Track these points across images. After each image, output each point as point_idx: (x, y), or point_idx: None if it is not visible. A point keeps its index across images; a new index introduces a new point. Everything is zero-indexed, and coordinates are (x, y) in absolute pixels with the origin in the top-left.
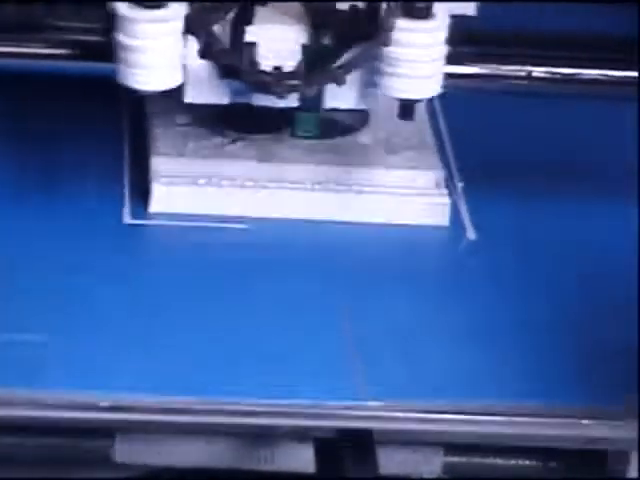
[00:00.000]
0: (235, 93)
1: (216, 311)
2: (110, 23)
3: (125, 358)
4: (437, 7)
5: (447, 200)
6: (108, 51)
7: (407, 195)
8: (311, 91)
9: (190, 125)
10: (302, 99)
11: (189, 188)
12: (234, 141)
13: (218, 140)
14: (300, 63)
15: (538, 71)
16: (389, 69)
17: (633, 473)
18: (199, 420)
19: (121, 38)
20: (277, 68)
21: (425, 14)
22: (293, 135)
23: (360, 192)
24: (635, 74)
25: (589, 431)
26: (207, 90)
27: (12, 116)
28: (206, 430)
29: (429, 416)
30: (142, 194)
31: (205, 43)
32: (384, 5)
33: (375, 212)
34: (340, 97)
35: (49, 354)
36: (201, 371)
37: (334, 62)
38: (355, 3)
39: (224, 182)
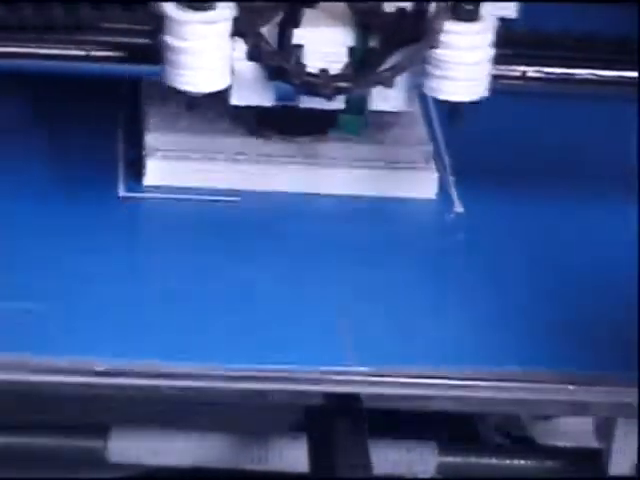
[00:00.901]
0: (281, 95)
1: (208, 281)
2: (157, 25)
3: (119, 325)
4: (484, 9)
5: (435, 174)
6: (155, 53)
7: (396, 169)
8: (359, 93)
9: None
10: (348, 101)
11: (183, 162)
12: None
13: (210, 115)
14: (347, 65)
15: (533, 71)
16: (437, 71)
17: (616, 460)
18: (191, 385)
19: (169, 40)
20: (324, 70)
21: (473, 16)
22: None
23: (350, 166)
24: (635, 74)
25: (575, 396)
26: (253, 92)
27: (8, 108)
28: (194, 396)
29: (415, 381)
30: (137, 169)
31: (253, 45)
32: (431, 7)
33: (364, 185)
34: (387, 99)
35: (45, 321)
36: (193, 338)
37: (380, 64)
38: (402, 5)
39: (217, 156)
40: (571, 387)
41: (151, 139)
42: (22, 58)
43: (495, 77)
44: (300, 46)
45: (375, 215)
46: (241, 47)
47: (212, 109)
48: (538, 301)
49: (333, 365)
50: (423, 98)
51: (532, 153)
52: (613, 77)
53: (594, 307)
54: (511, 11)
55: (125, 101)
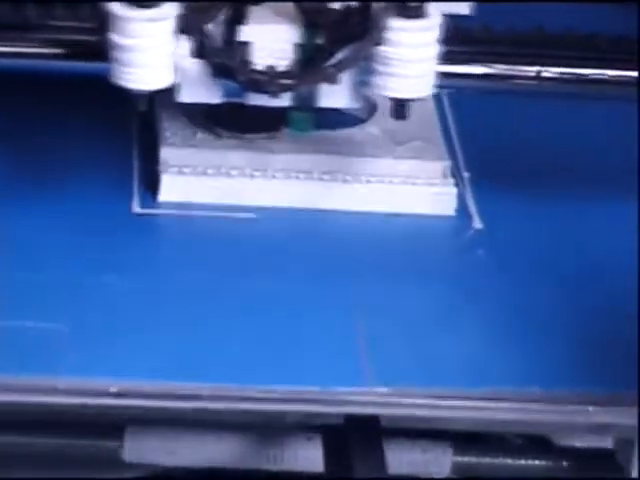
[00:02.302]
0: (229, 92)
1: (225, 300)
2: (103, 22)
3: (134, 345)
4: (430, 7)
5: (454, 189)
6: (102, 50)
7: (414, 185)
8: (304, 90)
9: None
10: (295, 98)
11: (198, 177)
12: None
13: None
14: (293, 62)
15: (547, 71)
16: (382, 68)
17: (635, 467)
18: (208, 406)
19: (114, 37)
20: (270, 67)
21: (418, 13)
22: (288, 134)
23: (368, 182)
24: (635, 74)
25: (595, 417)
26: (200, 89)
27: (25, 114)
28: (214, 417)
29: (435, 402)
30: (151, 184)
31: (198, 42)
32: (377, 4)
33: (382, 202)
34: (333, 96)
35: (60, 342)
36: (210, 358)
37: (327, 61)
38: (348, 2)
39: (233, 172)
40: (591, 409)
41: (166, 154)
42: None
43: (509, 77)
44: (246, 43)
45: (393, 232)
46: (186, 45)
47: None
48: (558, 319)
49: (351, 386)
50: (441, 112)
51: (550, 164)
52: (623, 77)
53: (618, 325)
54: (464, 8)
55: (140, 114)
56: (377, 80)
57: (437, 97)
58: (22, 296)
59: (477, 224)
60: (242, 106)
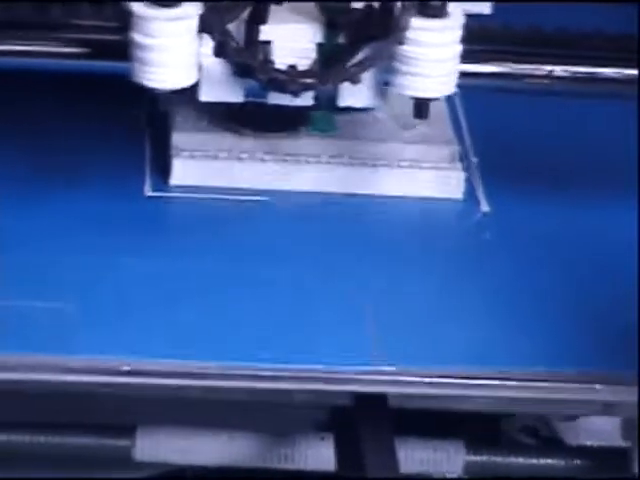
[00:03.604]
0: (250, 92)
1: (236, 281)
2: (125, 22)
3: (146, 325)
4: (452, 6)
5: (461, 174)
6: (123, 50)
7: (422, 169)
8: (326, 89)
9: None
10: (317, 97)
11: (209, 161)
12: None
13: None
14: (315, 62)
15: (559, 70)
16: (403, 68)
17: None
18: (216, 384)
19: (136, 37)
20: (292, 67)
21: (440, 13)
22: (309, 133)
23: (375, 166)
24: (635, 72)
25: (601, 396)
26: (222, 88)
27: (32, 102)
28: (223, 396)
29: (442, 380)
30: (163, 169)
31: (220, 42)
32: (399, 4)
33: (390, 185)
34: (354, 95)
35: (73, 321)
36: (219, 337)
37: (348, 61)
38: (369, 2)
39: (243, 155)
40: (598, 387)
41: (177, 139)
42: None
43: (520, 76)
44: (267, 42)
45: (401, 215)
46: (208, 44)
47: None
48: (564, 301)
49: (359, 365)
50: (453, 109)
51: (555, 151)
52: (631, 76)
53: (620, 306)
54: (485, 7)
55: (151, 100)
56: (398, 79)
57: (448, 95)
58: (35, 277)
59: (484, 207)
60: (263, 105)
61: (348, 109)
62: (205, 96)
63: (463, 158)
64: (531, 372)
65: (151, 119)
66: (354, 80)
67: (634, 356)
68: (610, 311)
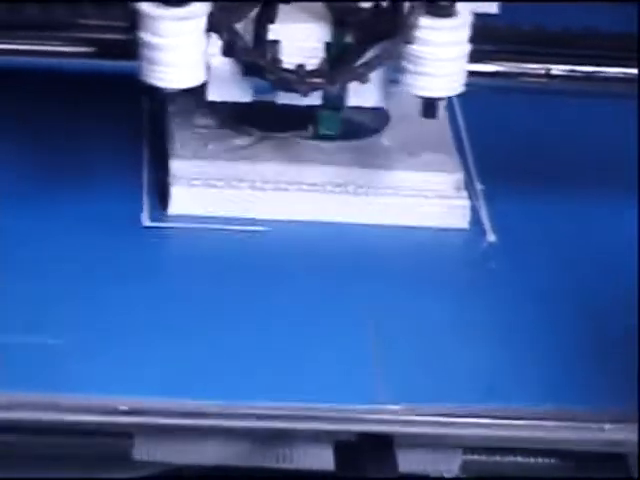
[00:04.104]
0: (258, 91)
1: (235, 314)
2: (133, 21)
3: (143, 362)
4: (460, 5)
5: (467, 202)
6: (131, 49)
7: (427, 197)
8: (334, 89)
9: (211, 125)
10: (325, 97)
11: (208, 190)
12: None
13: (237, 142)
14: (323, 61)
15: (558, 69)
16: (412, 67)
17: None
18: (217, 424)
19: (144, 36)
20: (300, 66)
21: (448, 12)
22: (316, 133)
23: (380, 194)
24: (635, 71)
25: (609, 435)
26: (230, 88)
27: (31, 115)
28: (224, 433)
29: (448, 420)
30: (161, 196)
31: (228, 41)
32: (407, 3)
33: (395, 214)
34: (363, 95)
35: (68, 357)
36: (220, 374)
37: (357, 60)
38: (377, 1)
39: (243, 184)
40: (607, 426)
41: (176, 166)
42: None
43: (518, 75)
44: (276, 42)
45: (406, 245)
46: (216, 43)
47: (239, 136)
48: (572, 334)
49: (365, 404)
50: (454, 122)
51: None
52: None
53: (629, 338)
54: (492, 7)
55: (150, 126)
56: (407, 79)
57: (453, 120)
58: (26, 309)
59: (490, 237)
60: (270, 105)
61: (355, 109)
62: (213, 95)
63: (468, 185)
64: (538, 410)
65: (150, 145)
66: (362, 80)
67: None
68: (625, 350)
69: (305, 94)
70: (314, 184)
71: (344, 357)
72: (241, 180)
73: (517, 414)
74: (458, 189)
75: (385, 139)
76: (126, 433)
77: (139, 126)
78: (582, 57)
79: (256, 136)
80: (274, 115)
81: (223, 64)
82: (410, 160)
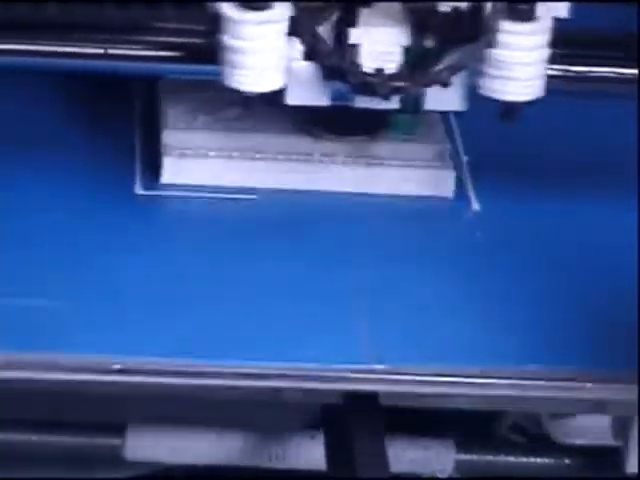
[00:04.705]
0: (337, 95)
1: (225, 278)
2: (214, 25)
3: (137, 323)
4: (540, 9)
5: (452, 172)
6: (212, 53)
7: (413, 167)
8: (415, 92)
9: (201, 98)
10: (402, 101)
11: (199, 160)
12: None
13: (228, 113)
14: (401, 65)
15: (558, 69)
16: (492, 71)
17: (633, 459)
18: (206, 383)
19: (226, 40)
20: (379, 70)
21: (528, 16)
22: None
23: (367, 164)
24: (635, 71)
25: (593, 394)
26: (309, 92)
27: (29, 101)
28: (213, 394)
29: (432, 379)
30: (154, 167)
31: (309, 45)
32: (488, 6)
33: (380, 183)
34: (442, 99)
35: (63, 319)
36: (210, 336)
37: (435, 64)
38: (457, 5)
39: (233, 154)
40: (589, 385)
41: (168, 137)
42: (72, 58)
43: None
44: (356, 45)
45: (391, 214)
46: (297, 47)
47: (230, 107)
48: (556, 300)
49: (350, 363)
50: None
51: (553, 151)
52: (629, 75)
53: (611, 306)
54: (564, 11)
55: (141, 97)
56: (487, 83)
57: None
58: (24, 274)
59: (475, 206)
60: (339, 108)
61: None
62: (292, 99)
63: (454, 157)
64: (523, 370)
65: (142, 117)
66: (444, 83)
67: (633, 354)
68: (607, 310)
69: (386, 97)
70: (303, 154)
71: (332, 322)
72: (231, 150)
73: (500, 374)
74: (443, 159)
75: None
76: (117, 431)
77: (131, 103)
78: (582, 57)
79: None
80: (348, 118)
81: (304, 67)
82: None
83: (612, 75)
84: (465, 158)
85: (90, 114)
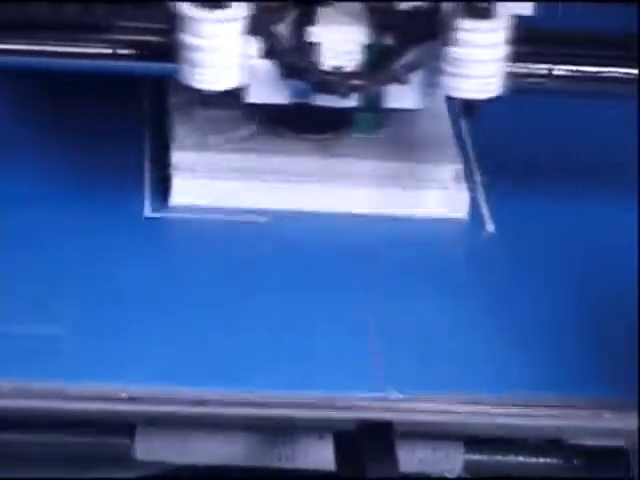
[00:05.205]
0: (296, 93)
1: (236, 304)
2: (172, 23)
3: (145, 350)
4: (499, 7)
5: (466, 193)
6: (170, 51)
7: (426, 188)
8: (375, 91)
9: (212, 117)
10: (363, 99)
11: (210, 181)
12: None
13: (239, 134)
14: (361, 63)
15: (558, 69)
16: (451, 69)
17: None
18: (217, 412)
19: (184, 38)
20: (338, 68)
21: (487, 14)
22: (352, 135)
23: (379, 185)
24: (635, 71)
25: (608, 423)
26: (269, 90)
27: (38, 113)
28: (224, 423)
29: (448, 407)
30: (163, 187)
31: (267, 43)
32: (446, 5)
33: (394, 205)
34: (402, 97)
35: (71, 347)
36: (221, 363)
37: (395, 62)
38: (416, 3)
39: (244, 175)
40: (607, 415)
41: (178, 157)
42: (33, 56)
43: (519, 75)
44: (315, 44)
45: (404, 235)
46: (255, 45)
47: (241, 127)
48: (576, 323)
49: (364, 392)
50: (452, 112)
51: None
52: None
53: (628, 328)
54: (527, 9)
55: (151, 117)
56: (445, 81)
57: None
58: (29, 301)
59: (489, 227)
60: (304, 107)
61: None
62: (252, 97)
63: (467, 176)
64: (539, 398)
65: (151, 137)
66: (403, 81)
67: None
68: (622, 337)
69: (345, 96)
70: (314, 175)
71: (346, 348)
72: (242, 171)
73: (513, 402)
74: (457, 180)
75: (384, 133)
76: (127, 431)
77: (140, 119)
78: (582, 57)
79: (257, 128)
80: (310, 118)
81: (263, 66)
82: (409, 151)
83: (612, 75)
84: (479, 178)
85: (98, 133)
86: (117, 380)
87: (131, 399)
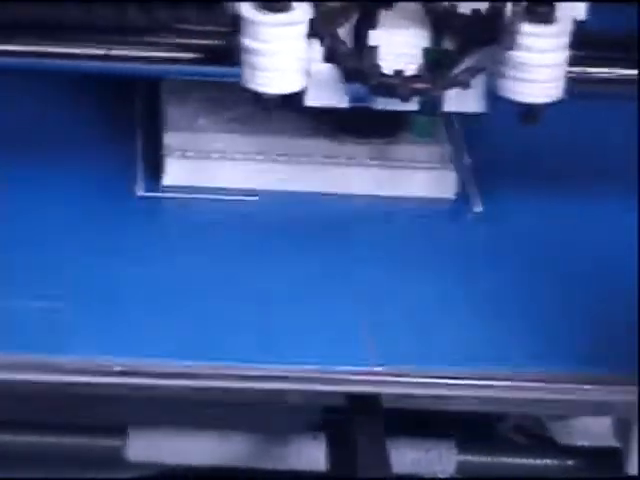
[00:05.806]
0: (356, 96)
1: (227, 280)
2: (234, 26)
3: (138, 324)
4: (560, 11)
5: (453, 173)
6: (232, 55)
7: (414, 168)
8: (437, 94)
9: (203, 99)
10: (421, 103)
11: (201, 161)
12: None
13: (229, 115)
14: (421, 66)
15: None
16: (512, 73)
17: (634, 459)
18: (207, 385)
19: (246, 41)
20: (399, 72)
21: (548, 18)
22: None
23: (368, 165)
24: (635, 72)
25: (592, 396)
26: (329, 93)
27: (31, 100)
28: (215, 397)
29: (434, 381)
30: (156, 169)
31: (329, 46)
32: (508, 9)
33: (382, 185)
34: (462, 101)
35: (65, 321)
36: (211, 337)
37: (455, 66)
38: (477, 7)
39: (235, 156)
40: (587, 387)
41: (170, 138)
42: (93, 60)
43: None
44: (376, 47)
45: (392, 215)
46: (317, 48)
47: (232, 108)
48: (557, 301)
49: (353, 365)
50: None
51: (554, 151)
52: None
53: (612, 307)
54: (582, 12)
55: (143, 99)
56: (507, 85)
57: None
58: (25, 276)
59: (477, 207)
60: (357, 110)
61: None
62: (311, 101)
63: (455, 158)
64: (522, 372)
65: (144, 118)
66: (464, 85)
67: (633, 356)
68: (607, 311)
69: (406, 99)
70: (305, 155)
71: (334, 324)
72: (233, 152)
73: (501, 376)
74: (445, 160)
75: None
76: (119, 432)
77: (133, 104)
78: (581, 57)
79: (247, 109)
80: (367, 120)
81: (323, 69)
82: (397, 132)
83: (612, 76)
84: (467, 160)
85: (92, 115)
86: (109, 354)
87: (123, 373)
